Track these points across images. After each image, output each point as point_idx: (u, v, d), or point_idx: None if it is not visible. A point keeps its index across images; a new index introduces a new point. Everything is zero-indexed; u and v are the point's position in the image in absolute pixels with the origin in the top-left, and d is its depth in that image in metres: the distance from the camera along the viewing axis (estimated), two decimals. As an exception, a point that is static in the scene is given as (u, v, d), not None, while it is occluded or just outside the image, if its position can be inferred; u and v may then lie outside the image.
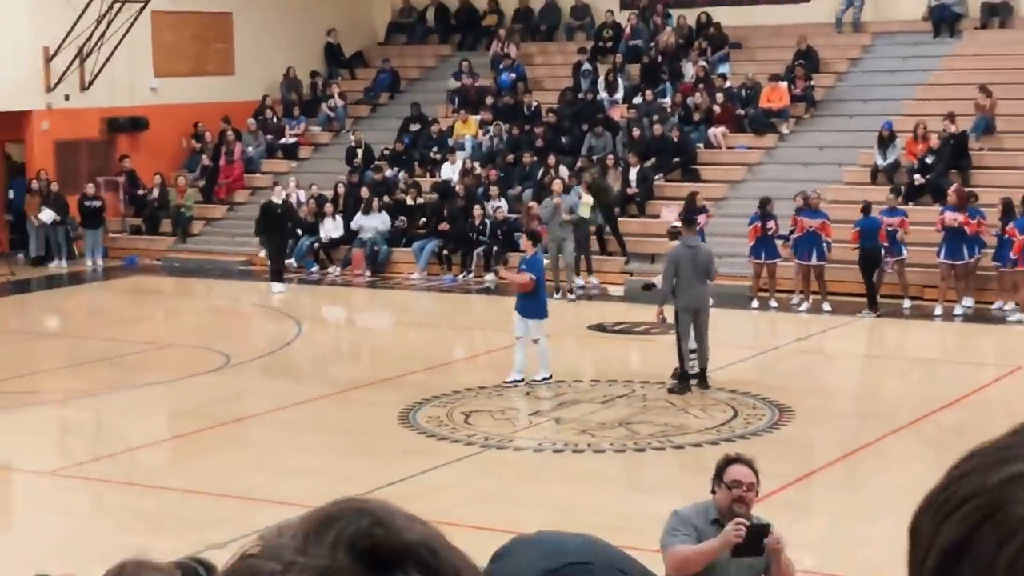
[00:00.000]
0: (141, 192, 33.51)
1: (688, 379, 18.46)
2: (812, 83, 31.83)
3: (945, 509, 1.18)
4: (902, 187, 26.78)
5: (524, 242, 20.63)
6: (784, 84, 31.60)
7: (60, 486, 15.65)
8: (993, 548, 1.13)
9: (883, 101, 30.91)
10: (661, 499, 14.67)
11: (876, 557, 11.32)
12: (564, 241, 26.36)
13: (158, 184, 33.29)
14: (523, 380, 18.78)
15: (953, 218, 24.30)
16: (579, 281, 27.36)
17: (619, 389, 18.88)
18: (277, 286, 26.73)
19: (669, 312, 18.25)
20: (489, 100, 34.01)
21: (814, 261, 24.71)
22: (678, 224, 20.15)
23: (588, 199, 27.30)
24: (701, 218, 24.46)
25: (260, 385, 20.35)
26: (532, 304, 18.62)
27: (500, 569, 2.34)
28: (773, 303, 24.73)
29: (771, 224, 25.22)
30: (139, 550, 5.33)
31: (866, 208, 24.53)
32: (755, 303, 24.89)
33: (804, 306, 24.73)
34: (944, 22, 32.62)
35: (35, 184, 31.76)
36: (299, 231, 29.19)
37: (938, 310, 24.19)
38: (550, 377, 18.91)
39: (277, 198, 27.95)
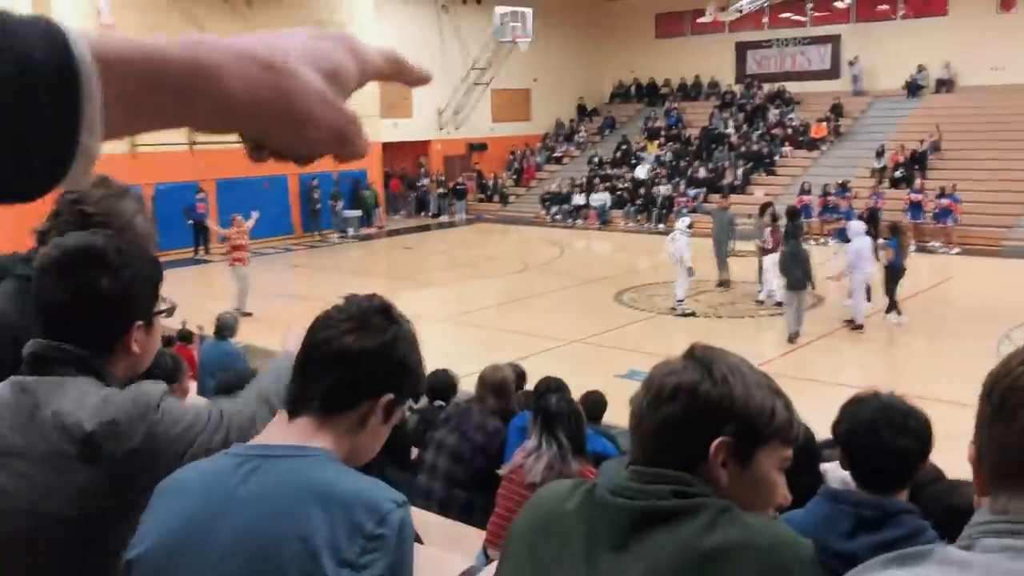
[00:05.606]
0: (484, 182, 33.31)
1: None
2: (839, 123, 29.97)
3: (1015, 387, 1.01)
4: (886, 179, 24.85)
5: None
6: (824, 123, 29.82)
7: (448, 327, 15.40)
8: None
9: (878, 133, 28.75)
10: (760, 347, 14.08)
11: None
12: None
13: (492, 179, 33.12)
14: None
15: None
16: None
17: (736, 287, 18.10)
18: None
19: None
20: (662, 134, 33.01)
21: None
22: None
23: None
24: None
25: (543, 279, 20.03)
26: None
27: None
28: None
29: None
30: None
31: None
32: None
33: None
34: (913, 90, 30.31)
35: (433, 177, 31.90)
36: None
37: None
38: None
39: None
